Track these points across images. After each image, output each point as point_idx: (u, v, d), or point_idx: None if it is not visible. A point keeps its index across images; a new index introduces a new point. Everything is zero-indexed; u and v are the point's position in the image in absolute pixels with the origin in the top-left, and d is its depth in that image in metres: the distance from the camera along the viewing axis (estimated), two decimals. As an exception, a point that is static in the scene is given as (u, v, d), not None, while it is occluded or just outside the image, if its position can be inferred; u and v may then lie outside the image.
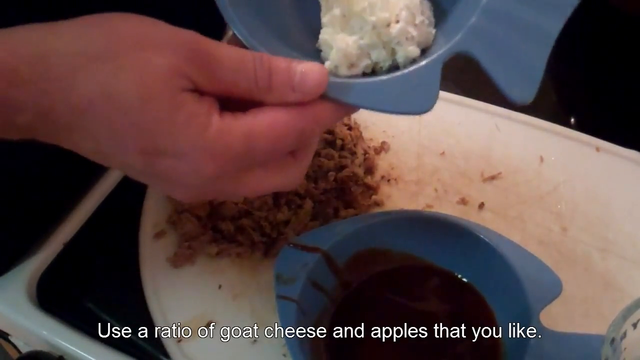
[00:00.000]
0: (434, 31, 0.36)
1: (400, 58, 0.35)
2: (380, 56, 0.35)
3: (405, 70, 0.34)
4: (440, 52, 0.33)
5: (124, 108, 0.29)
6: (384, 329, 0.45)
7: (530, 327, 0.40)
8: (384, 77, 0.34)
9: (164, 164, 0.31)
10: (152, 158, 0.31)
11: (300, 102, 0.32)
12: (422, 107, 0.33)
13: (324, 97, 0.33)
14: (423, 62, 0.33)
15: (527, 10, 0.31)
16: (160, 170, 0.31)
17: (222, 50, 0.31)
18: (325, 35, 0.36)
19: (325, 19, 0.37)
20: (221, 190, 0.33)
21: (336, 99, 0.33)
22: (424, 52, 0.35)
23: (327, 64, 0.35)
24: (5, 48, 0.28)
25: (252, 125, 0.31)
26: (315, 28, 0.37)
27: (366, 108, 0.33)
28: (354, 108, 0.34)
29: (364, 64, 0.35)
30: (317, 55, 0.37)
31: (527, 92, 0.31)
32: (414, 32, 0.34)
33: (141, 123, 0.30)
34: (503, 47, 0.31)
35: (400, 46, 0.34)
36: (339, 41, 0.35)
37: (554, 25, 0.31)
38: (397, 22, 0.34)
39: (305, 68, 0.32)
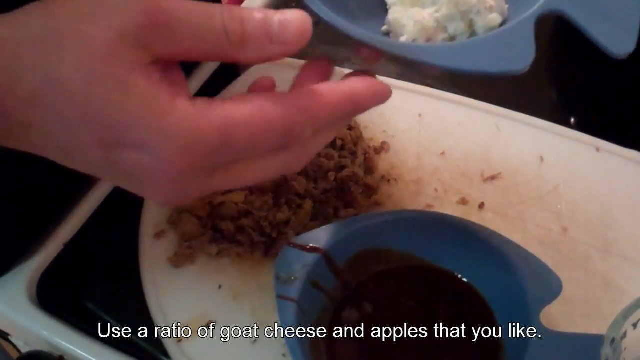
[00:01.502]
0: (507, 6, 0.35)
1: (480, 29, 0.33)
2: (458, 28, 0.34)
3: (499, 30, 0.32)
4: (532, 9, 0.32)
5: (70, 94, 0.26)
6: (384, 329, 0.45)
7: (530, 327, 0.40)
8: (476, 38, 0.32)
9: (126, 158, 0.27)
10: (111, 151, 0.27)
11: (283, 56, 0.28)
12: (520, 64, 0.31)
13: (406, 59, 0.30)
14: (515, 21, 0.32)
15: None
16: (124, 166, 0.27)
17: (183, 6, 0.27)
18: (395, 14, 0.35)
19: None
20: (199, 188, 0.29)
21: (432, 64, 0.31)
22: (502, 25, 0.34)
23: (403, 38, 0.34)
24: None
25: (231, 114, 0.27)
26: (374, 13, 0.36)
27: (463, 71, 0.31)
28: (357, 108, 0.33)
29: (441, 37, 0.34)
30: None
31: (627, 44, 0.30)
32: (492, 1, 0.33)
33: (91, 110, 0.26)
34: (595, 2, 0.31)
35: (480, 15, 0.33)
36: (415, 15, 0.33)
37: None
38: None
39: (285, 16, 0.28)
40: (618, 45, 0.30)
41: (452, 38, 0.34)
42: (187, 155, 0.27)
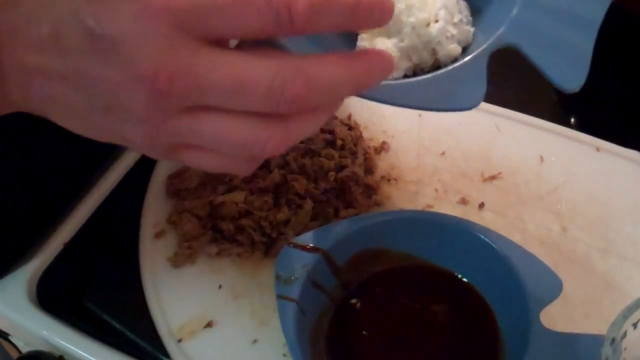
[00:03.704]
0: (472, 30, 0.35)
1: (442, 58, 0.34)
2: (421, 57, 0.34)
3: (450, 67, 0.33)
4: (484, 46, 0.32)
5: None
6: (383, 329, 0.45)
7: (530, 327, 0.40)
8: (429, 76, 0.32)
9: (112, 9, 0.25)
10: (99, 5, 0.26)
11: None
12: (470, 102, 0.31)
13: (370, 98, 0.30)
14: (468, 58, 0.33)
15: (571, 4, 0.31)
16: (109, 25, 0.26)
17: None
18: (363, 42, 0.35)
19: None
20: (179, 59, 0.26)
21: (383, 101, 0.31)
22: (464, 50, 0.35)
23: None
24: None
25: None
26: (350, 38, 0.36)
27: (414, 108, 0.32)
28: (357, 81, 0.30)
29: (405, 66, 0.34)
30: None
31: (578, 79, 0.31)
32: (453, 30, 0.34)
33: None
34: (548, 37, 0.31)
35: (441, 45, 0.34)
36: (379, 44, 0.34)
37: (598, 10, 0.31)
38: (437, 21, 0.34)
39: None
40: (569, 80, 0.31)
41: (417, 66, 0.35)
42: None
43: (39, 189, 0.50)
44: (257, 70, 0.26)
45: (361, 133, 0.58)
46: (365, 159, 0.55)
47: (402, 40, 0.34)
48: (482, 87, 0.31)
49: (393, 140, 0.58)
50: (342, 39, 0.37)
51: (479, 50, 0.32)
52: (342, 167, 0.53)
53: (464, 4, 0.36)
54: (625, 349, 0.36)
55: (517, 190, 0.54)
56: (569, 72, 0.31)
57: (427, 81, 0.33)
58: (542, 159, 0.56)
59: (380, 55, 0.29)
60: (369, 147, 0.57)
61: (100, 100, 0.27)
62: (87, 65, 0.26)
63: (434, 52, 0.34)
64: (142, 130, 0.28)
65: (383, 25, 0.28)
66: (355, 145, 0.56)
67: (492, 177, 0.55)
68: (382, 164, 0.56)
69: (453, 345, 0.44)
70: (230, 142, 0.28)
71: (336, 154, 0.54)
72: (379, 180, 0.55)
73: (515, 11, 0.32)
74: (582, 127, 0.58)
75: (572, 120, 0.60)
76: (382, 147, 0.58)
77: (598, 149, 0.57)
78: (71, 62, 0.27)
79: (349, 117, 0.60)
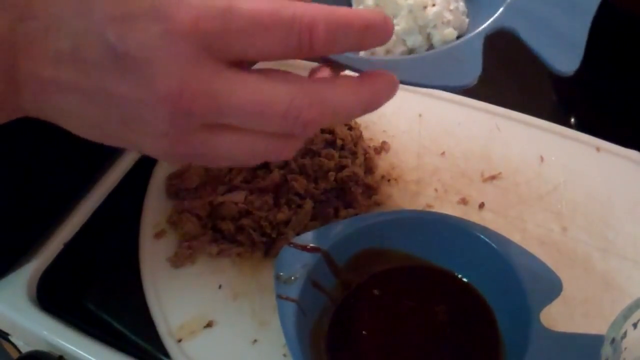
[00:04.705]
0: (467, 20, 0.36)
1: (436, 43, 0.34)
2: (416, 41, 0.34)
3: (448, 46, 0.33)
4: (482, 27, 0.33)
5: None
6: (384, 329, 0.45)
7: (530, 327, 0.40)
8: (426, 53, 0.33)
9: (135, 29, 0.26)
10: (122, 24, 0.26)
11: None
12: (466, 80, 0.32)
13: None
14: (465, 38, 0.33)
15: None
16: (133, 44, 0.26)
17: None
18: None
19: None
20: (200, 79, 0.27)
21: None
22: (459, 39, 0.35)
23: (362, 53, 0.34)
24: None
25: None
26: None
27: (411, 84, 0.32)
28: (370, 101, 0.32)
29: (400, 50, 0.35)
30: None
31: (572, 62, 0.31)
32: (449, 16, 0.34)
33: None
34: (544, 20, 0.32)
35: (436, 30, 0.34)
36: None
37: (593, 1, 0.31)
38: (434, 5, 0.34)
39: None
40: (564, 63, 0.31)
41: (411, 51, 0.35)
42: (197, 16, 0.26)
43: (39, 188, 0.50)
44: (275, 95, 0.28)
45: (361, 133, 0.58)
46: (365, 159, 0.55)
47: (397, 24, 0.35)
48: (477, 67, 0.32)
49: (393, 140, 0.58)
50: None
51: (477, 30, 0.33)
52: (342, 167, 0.53)
53: None
54: (625, 349, 0.36)
55: (517, 190, 0.54)
56: (564, 56, 0.31)
57: (423, 58, 0.33)
58: (542, 158, 0.56)
59: (386, 78, 0.30)
60: (369, 147, 0.57)
61: (118, 115, 0.28)
62: (107, 81, 0.27)
63: (429, 37, 0.35)
64: (159, 144, 0.29)
65: (384, 44, 0.30)
66: (355, 145, 0.56)
67: (492, 177, 0.55)
68: (382, 164, 0.56)
69: (453, 345, 0.44)
70: (245, 156, 0.30)
71: (336, 154, 0.54)
72: (379, 180, 0.55)
73: None
74: (582, 127, 0.58)
75: (572, 120, 0.60)
76: (382, 147, 0.58)
77: (598, 149, 0.57)
78: (90, 77, 0.27)
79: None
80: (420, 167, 0.56)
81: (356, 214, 0.51)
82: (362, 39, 0.29)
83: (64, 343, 0.46)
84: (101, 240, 0.53)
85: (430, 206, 0.53)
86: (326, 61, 0.32)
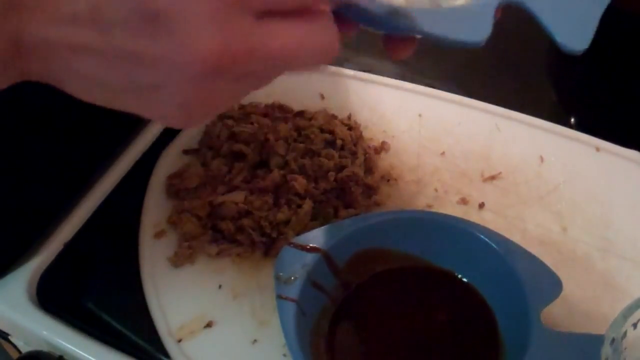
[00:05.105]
0: None
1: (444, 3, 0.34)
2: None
3: (462, 5, 0.33)
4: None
5: None
6: (384, 329, 0.45)
7: (531, 327, 0.40)
8: (441, 9, 0.33)
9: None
10: None
11: None
12: (476, 36, 0.32)
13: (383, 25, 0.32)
14: (478, 2, 0.33)
15: None
16: (162, 1, 0.25)
17: None
18: None
19: None
20: (242, 33, 0.26)
21: (394, 24, 0.32)
22: None
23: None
24: None
25: None
26: None
27: (423, 34, 0.32)
28: None
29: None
30: None
31: (582, 41, 0.31)
32: None
33: None
34: None
35: None
36: None
37: None
38: None
39: None
40: (573, 41, 0.31)
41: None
42: None
43: (39, 188, 0.50)
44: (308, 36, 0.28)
45: (361, 133, 0.58)
46: (365, 159, 0.55)
47: None
48: (488, 28, 0.32)
49: (393, 140, 0.58)
50: None
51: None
52: (342, 167, 0.53)
53: None
54: (625, 349, 0.37)
55: (517, 190, 0.54)
56: (574, 33, 0.31)
57: (438, 11, 0.33)
58: (542, 159, 0.56)
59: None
60: (369, 147, 0.57)
61: (141, 79, 0.27)
62: (134, 42, 0.25)
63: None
64: (182, 111, 0.28)
65: None
66: (355, 145, 0.56)
67: (492, 177, 0.55)
68: (382, 164, 0.56)
69: (453, 345, 0.44)
70: (296, 48, 0.29)
71: (336, 154, 0.54)
72: (379, 180, 0.55)
73: None
74: (582, 127, 0.58)
75: (572, 120, 0.60)
76: (382, 147, 0.58)
77: (598, 149, 0.57)
78: (114, 38, 0.25)
79: (349, 117, 0.60)
80: (420, 167, 0.56)
81: (356, 214, 0.51)
82: None
83: (64, 343, 0.46)
84: (101, 240, 0.53)
85: (430, 206, 0.53)
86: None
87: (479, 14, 0.32)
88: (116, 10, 0.25)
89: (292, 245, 0.45)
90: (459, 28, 0.32)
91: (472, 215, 0.52)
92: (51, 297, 0.49)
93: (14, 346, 0.54)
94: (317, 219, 0.51)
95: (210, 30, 0.25)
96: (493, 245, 0.45)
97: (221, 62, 0.26)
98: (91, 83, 0.28)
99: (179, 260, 0.50)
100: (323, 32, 0.28)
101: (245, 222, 0.50)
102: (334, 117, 0.59)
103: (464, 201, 0.54)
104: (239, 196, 0.51)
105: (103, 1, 0.25)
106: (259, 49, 0.26)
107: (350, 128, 0.57)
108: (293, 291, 0.42)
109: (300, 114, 0.59)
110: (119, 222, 0.54)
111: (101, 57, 0.26)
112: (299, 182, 0.51)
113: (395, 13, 0.32)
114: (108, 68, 0.26)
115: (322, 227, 0.46)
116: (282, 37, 0.27)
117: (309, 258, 0.44)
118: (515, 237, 0.47)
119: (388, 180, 0.55)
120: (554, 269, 0.44)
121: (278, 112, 0.59)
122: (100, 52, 0.26)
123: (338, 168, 0.53)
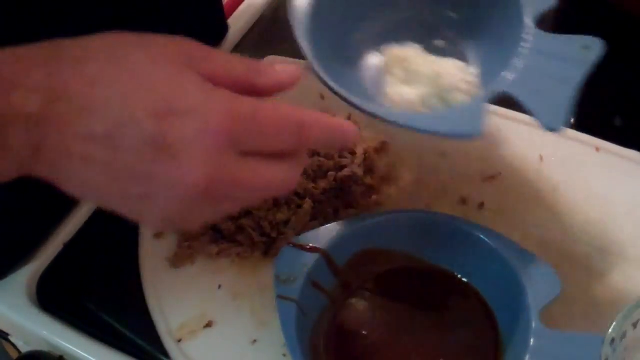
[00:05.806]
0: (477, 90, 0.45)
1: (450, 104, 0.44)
2: (433, 102, 0.44)
3: (457, 105, 0.44)
4: (485, 94, 0.41)
5: (133, 69, 0.31)
6: (384, 329, 0.45)
7: (530, 327, 0.40)
8: (438, 111, 0.44)
9: (175, 125, 0.30)
10: (164, 120, 0.30)
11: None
12: (471, 130, 0.39)
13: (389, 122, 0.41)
14: (471, 101, 0.44)
15: (557, 65, 0.40)
16: (172, 135, 0.30)
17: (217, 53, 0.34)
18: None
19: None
20: (230, 171, 0.32)
21: (399, 123, 0.41)
22: None
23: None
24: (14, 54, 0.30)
25: (258, 102, 0.33)
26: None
27: (426, 132, 0.40)
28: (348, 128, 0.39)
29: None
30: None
31: (558, 122, 0.39)
32: (464, 85, 0.45)
33: (151, 83, 0.31)
34: (538, 89, 0.40)
35: (451, 94, 0.44)
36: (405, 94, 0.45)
37: (577, 74, 0.39)
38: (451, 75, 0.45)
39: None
40: (551, 122, 0.39)
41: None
42: (226, 119, 0.31)
43: (39, 189, 0.50)
44: (291, 118, 0.34)
45: (361, 133, 0.58)
46: (365, 159, 0.55)
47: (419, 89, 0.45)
48: (481, 121, 0.39)
49: (393, 140, 0.58)
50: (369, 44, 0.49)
51: (481, 96, 0.42)
52: (342, 167, 0.53)
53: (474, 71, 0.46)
54: (625, 349, 0.37)
55: (517, 190, 0.54)
56: (552, 117, 0.39)
57: (435, 113, 0.44)
58: (542, 158, 0.56)
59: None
60: (369, 147, 0.57)
61: (136, 190, 0.31)
62: (140, 163, 0.30)
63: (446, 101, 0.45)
64: (164, 222, 0.33)
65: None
66: (355, 145, 0.56)
67: (492, 177, 0.55)
68: (382, 164, 0.56)
69: (453, 345, 0.44)
70: (267, 185, 0.35)
71: (336, 154, 0.54)
72: (379, 180, 0.55)
73: (512, 76, 0.41)
74: (582, 127, 0.58)
75: (572, 120, 0.60)
76: (382, 147, 0.58)
77: (598, 149, 0.57)
78: (123, 158, 0.30)
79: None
80: (420, 167, 0.56)
81: (356, 214, 0.51)
82: (336, 139, 0.37)
83: (64, 343, 0.46)
84: (101, 240, 0.53)
85: (430, 206, 0.53)
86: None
87: (474, 113, 0.40)
88: (129, 138, 0.30)
89: (292, 245, 0.45)
90: (457, 125, 0.40)
91: (472, 215, 0.52)
92: (51, 297, 0.50)
93: (14, 346, 0.54)
94: (317, 219, 0.51)
95: (205, 161, 0.31)
96: (493, 245, 0.45)
97: (208, 189, 0.31)
98: (90, 188, 0.32)
99: (179, 260, 0.50)
100: (294, 171, 0.35)
101: (245, 222, 0.50)
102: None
103: (463, 201, 0.54)
104: (239, 196, 0.51)
105: (118, 128, 0.30)
106: (240, 181, 0.32)
107: (350, 128, 0.57)
108: (293, 291, 0.42)
109: (300, 114, 0.59)
110: (119, 222, 0.54)
111: (107, 170, 0.31)
112: (299, 182, 0.51)
113: (397, 117, 0.41)
114: (110, 178, 0.31)
115: (322, 227, 0.46)
116: (260, 174, 0.33)
117: (309, 258, 0.44)
118: (515, 237, 0.47)
119: (388, 180, 0.55)
120: (554, 269, 0.44)
121: (278, 112, 0.59)
122: (107, 166, 0.30)
123: (338, 168, 0.53)
